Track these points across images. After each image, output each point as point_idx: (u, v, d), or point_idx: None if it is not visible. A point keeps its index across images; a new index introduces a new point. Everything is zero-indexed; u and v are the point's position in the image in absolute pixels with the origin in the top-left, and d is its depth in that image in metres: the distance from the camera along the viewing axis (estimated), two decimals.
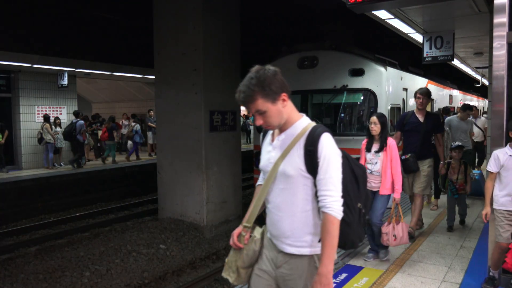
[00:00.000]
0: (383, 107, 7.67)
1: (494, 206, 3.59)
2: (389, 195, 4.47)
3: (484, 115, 13.57)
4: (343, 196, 1.86)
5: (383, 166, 4.39)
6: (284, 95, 1.89)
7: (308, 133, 1.89)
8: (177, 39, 8.68)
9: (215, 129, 8.70)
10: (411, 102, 9.51)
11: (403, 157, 5.11)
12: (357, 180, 2.00)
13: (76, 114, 12.94)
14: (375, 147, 4.49)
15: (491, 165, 3.58)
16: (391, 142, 4.45)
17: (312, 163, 1.85)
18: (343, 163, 1.93)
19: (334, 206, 1.81)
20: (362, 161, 4.58)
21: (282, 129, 1.98)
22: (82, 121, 12.87)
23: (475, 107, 9.82)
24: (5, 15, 10.25)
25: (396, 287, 3.91)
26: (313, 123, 1.97)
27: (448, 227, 5.73)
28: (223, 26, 8.80)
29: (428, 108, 10.24)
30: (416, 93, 5.32)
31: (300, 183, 1.89)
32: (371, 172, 4.47)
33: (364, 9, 5.21)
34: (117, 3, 12.29)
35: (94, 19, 12.17)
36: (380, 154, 4.43)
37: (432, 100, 11.56)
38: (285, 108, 1.91)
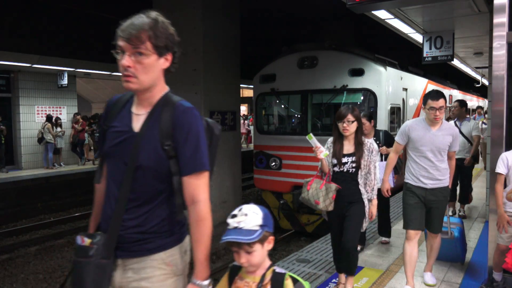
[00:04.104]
0: (383, 107, 7.67)
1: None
2: None
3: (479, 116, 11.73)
4: None
5: None
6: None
7: None
8: None
9: None
10: (411, 102, 9.51)
11: None
12: None
13: None
14: None
15: (499, 167, 3.43)
16: None
17: None
18: None
19: None
20: None
21: None
22: None
23: (462, 101, 6.53)
24: (4, 15, 10.25)
25: (396, 287, 3.91)
26: None
27: None
28: (223, 26, 8.80)
29: None
30: None
31: None
32: None
33: (364, 9, 5.21)
34: (117, 3, 12.28)
35: (94, 19, 12.16)
36: None
37: None
38: None
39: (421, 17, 6.42)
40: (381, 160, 4.69)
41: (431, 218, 3.67)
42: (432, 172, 3.55)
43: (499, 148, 3.64)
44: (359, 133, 3.49)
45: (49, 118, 12.62)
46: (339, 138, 3.50)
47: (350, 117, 3.40)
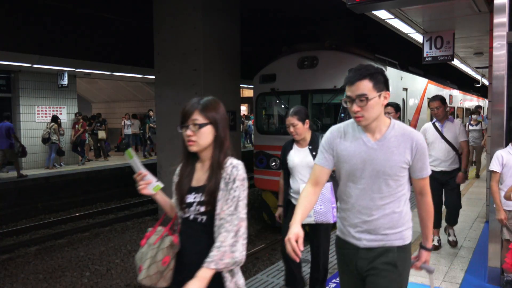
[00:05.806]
0: None
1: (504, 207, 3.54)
2: None
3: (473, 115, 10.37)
4: None
5: None
6: None
7: None
8: (177, 39, 8.69)
9: None
10: (411, 102, 9.52)
11: None
12: None
13: None
14: None
15: (494, 165, 3.49)
16: None
17: None
18: None
19: None
20: None
21: None
22: None
23: (443, 98, 4.85)
24: (5, 15, 10.26)
25: None
26: None
27: None
28: (223, 26, 8.81)
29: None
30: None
31: None
32: None
33: (364, 9, 5.20)
34: (117, 3, 12.29)
35: (94, 19, 12.17)
36: None
37: None
38: None
39: (421, 17, 6.42)
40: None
41: None
42: (369, 219, 1.89)
43: (499, 148, 3.65)
44: (217, 149, 1.77)
45: (54, 118, 12.57)
46: (188, 159, 1.87)
47: (197, 117, 1.73)
